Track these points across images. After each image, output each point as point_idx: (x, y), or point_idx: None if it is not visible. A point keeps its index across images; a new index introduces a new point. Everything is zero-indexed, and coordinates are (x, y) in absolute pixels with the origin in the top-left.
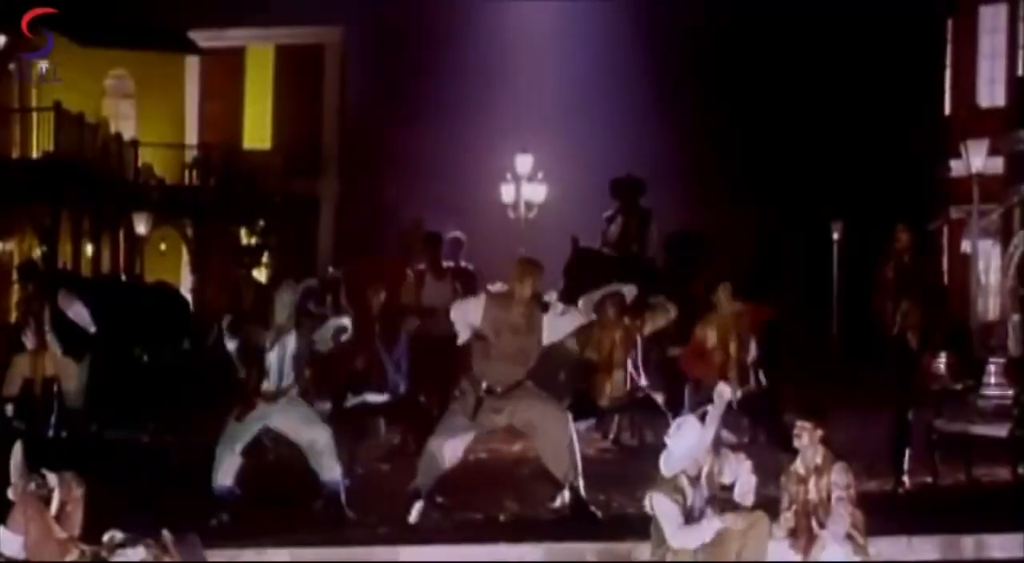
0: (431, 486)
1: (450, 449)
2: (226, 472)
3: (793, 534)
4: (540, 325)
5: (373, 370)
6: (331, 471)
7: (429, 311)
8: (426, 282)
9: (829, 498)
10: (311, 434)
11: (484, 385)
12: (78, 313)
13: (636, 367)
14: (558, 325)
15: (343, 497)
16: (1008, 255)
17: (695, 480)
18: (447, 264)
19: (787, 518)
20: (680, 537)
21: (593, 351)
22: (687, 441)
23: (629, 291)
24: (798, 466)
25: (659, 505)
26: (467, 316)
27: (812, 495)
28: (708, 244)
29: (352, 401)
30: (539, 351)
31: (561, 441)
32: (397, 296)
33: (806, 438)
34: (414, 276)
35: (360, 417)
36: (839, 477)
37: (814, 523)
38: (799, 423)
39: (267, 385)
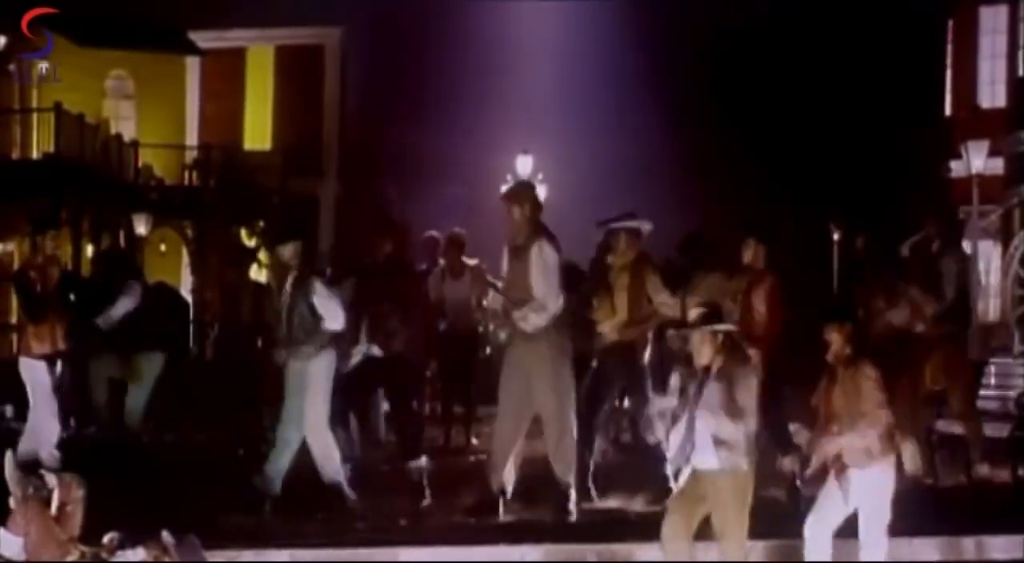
0: (503, 483)
1: (512, 439)
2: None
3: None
4: (532, 253)
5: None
6: (333, 476)
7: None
8: (446, 281)
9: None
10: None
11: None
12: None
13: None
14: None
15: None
16: (1008, 255)
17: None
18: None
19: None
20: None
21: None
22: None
23: (644, 226)
24: (830, 357)
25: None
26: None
27: (839, 397)
28: (720, 246)
29: (355, 357)
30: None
31: (563, 439)
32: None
33: (837, 341)
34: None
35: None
36: (870, 370)
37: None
38: (826, 327)
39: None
